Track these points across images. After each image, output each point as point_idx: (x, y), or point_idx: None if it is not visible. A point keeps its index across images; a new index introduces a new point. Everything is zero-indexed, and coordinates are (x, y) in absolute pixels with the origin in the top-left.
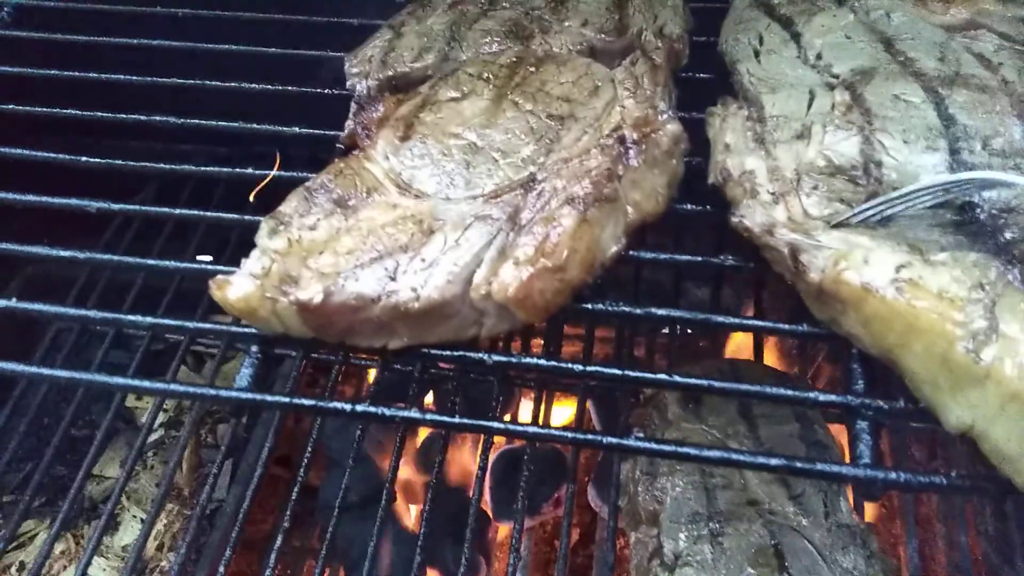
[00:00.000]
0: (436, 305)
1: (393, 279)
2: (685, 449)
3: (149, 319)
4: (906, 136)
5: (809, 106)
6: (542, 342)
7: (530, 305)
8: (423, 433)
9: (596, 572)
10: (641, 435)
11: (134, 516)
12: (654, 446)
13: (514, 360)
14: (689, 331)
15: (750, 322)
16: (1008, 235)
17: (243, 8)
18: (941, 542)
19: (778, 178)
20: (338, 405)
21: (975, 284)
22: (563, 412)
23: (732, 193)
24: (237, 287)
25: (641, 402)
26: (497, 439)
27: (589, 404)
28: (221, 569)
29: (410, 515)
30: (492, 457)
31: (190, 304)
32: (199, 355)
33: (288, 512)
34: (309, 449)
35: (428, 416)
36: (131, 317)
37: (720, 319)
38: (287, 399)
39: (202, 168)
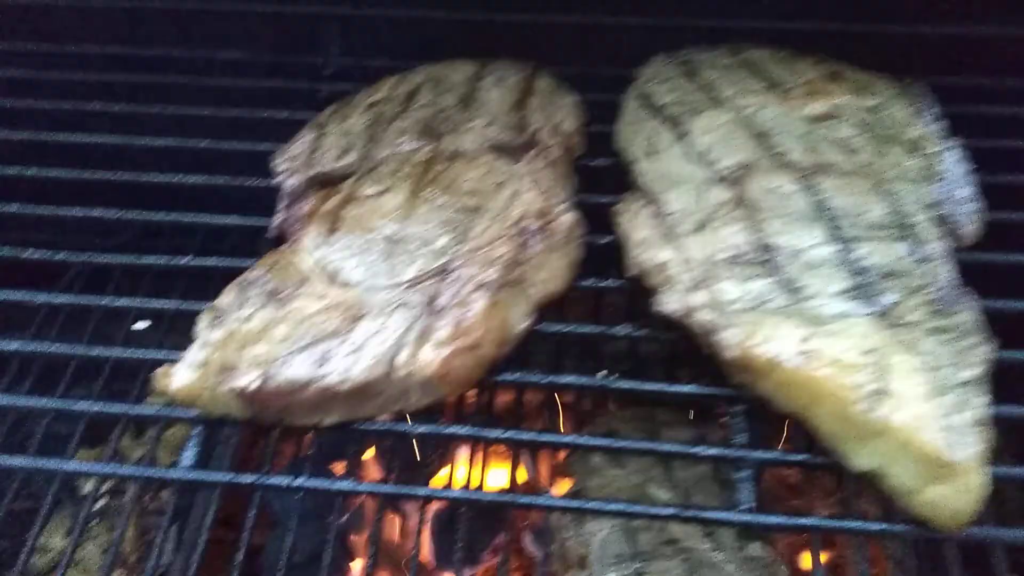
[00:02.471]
0: (363, 386)
1: (323, 364)
2: (589, 504)
3: (85, 405)
4: (787, 222)
5: (702, 201)
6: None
7: (449, 380)
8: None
9: None
10: (549, 493)
11: None
12: (558, 503)
13: (439, 430)
14: None
15: (647, 387)
16: (891, 298)
17: (183, 103)
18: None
19: (691, 267)
20: (278, 481)
21: (865, 349)
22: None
23: (652, 283)
24: (179, 377)
25: (570, 451)
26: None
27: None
28: None
29: (352, 572)
30: (434, 508)
31: (132, 371)
32: (141, 423)
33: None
34: (253, 510)
35: (362, 487)
36: (68, 406)
37: (614, 386)
38: (227, 478)
39: (138, 260)
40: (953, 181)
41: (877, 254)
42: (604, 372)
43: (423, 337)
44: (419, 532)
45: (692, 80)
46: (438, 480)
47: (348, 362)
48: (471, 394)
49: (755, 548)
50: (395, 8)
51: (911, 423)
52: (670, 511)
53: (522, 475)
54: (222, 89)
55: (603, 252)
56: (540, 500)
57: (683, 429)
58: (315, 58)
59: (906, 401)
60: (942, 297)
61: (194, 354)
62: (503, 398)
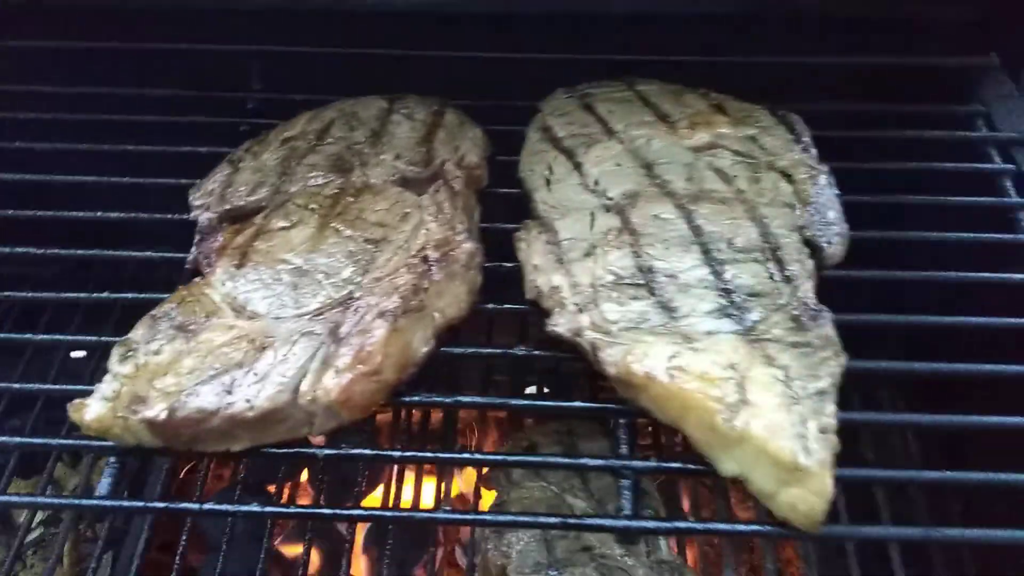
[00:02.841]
0: (269, 412)
1: (230, 392)
2: (481, 516)
3: (16, 439)
4: (666, 246)
5: (591, 227)
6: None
7: (351, 405)
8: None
9: None
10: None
11: None
12: (462, 516)
13: (342, 452)
14: None
15: (541, 404)
16: (755, 316)
17: (98, 141)
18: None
19: (579, 291)
20: (187, 505)
21: (727, 364)
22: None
23: (545, 305)
24: (92, 409)
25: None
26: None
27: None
28: None
29: None
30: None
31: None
32: (77, 453)
33: None
34: (185, 535)
35: (267, 508)
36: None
37: (516, 403)
38: (141, 503)
39: (63, 295)
40: (821, 205)
41: (745, 275)
42: (532, 389)
43: (326, 364)
44: (350, 551)
45: (589, 112)
46: (371, 500)
47: (253, 390)
48: (416, 413)
49: (664, 552)
50: (313, 45)
51: (766, 431)
52: (555, 520)
53: (454, 489)
54: (146, 125)
55: (511, 276)
56: (438, 515)
57: (599, 440)
58: (237, 94)
59: (763, 411)
60: (801, 314)
61: (106, 387)
62: (438, 415)
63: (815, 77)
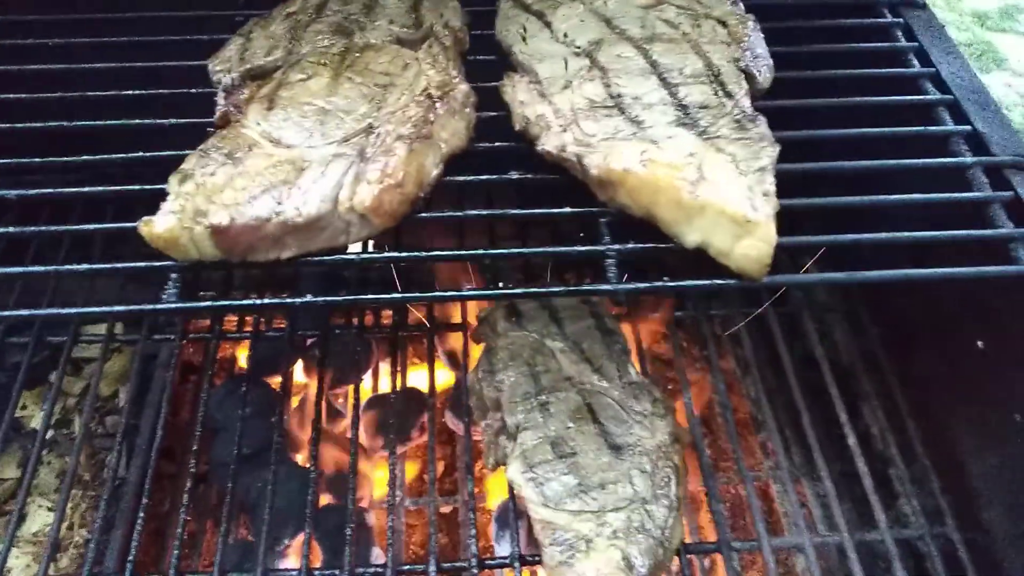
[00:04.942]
0: (314, 219)
1: (280, 203)
2: (497, 292)
3: (84, 267)
4: (630, 77)
5: (566, 68)
6: None
7: (382, 212)
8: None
9: (460, 466)
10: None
11: (39, 507)
12: (481, 292)
13: (372, 255)
14: None
15: (534, 212)
16: (705, 122)
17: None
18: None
19: (561, 115)
20: (245, 302)
21: (687, 154)
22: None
23: (532, 132)
24: (161, 222)
25: (479, 322)
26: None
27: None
28: (136, 530)
29: (301, 457)
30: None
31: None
32: (77, 363)
33: (190, 466)
34: (201, 411)
35: (321, 299)
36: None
37: (515, 212)
38: (204, 303)
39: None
40: (751, 43)
41: (695, 94)
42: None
43: (358, 179)
44: (356, 420)
45: None
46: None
47: (300, 200)
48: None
49: (633, 375)
50: None
51: (722, 197)
52: (556, 288)
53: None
54: (151, 19)
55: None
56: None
57: (585, 320)
58: None
59: (718, 184)
60: (742, 117)
61: (170, 204)
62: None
63: None
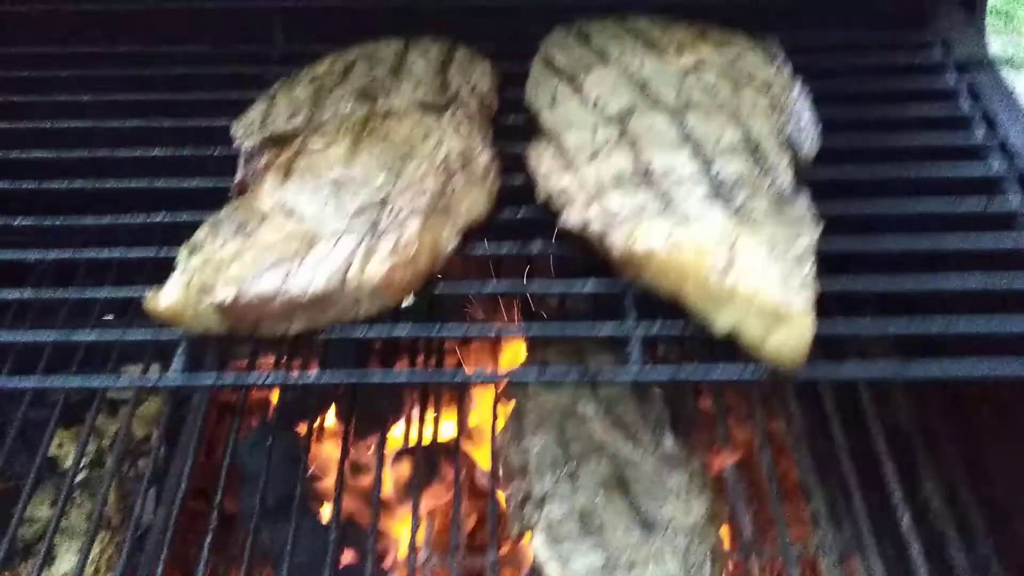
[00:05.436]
0: (322, 296)
1: (288, 279)
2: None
3: (88, 335)
4: (661, 148)
5: (594, 137)
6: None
7: (392, 289)
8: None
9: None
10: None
11: (67, 549)
12: (491, 375)
13: (384, 332)
14: None
15: (554, 288)
16: (740, 200)
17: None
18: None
19: (585, 189)
20: (257, 374)
21: (717, 235)
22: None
23: (556, 205)
24: (166, 296)
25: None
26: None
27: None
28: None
29: (321, 513)
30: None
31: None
32: (113, 404)
33: (214, 515)
34: (224, 468)
35: (324, 379)
36: (80, 334)
37: (529, 290)
38: (212, 379)
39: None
40: (796, 112)
41: (731, 167)
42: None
43: (368, 254)
44: (379, 473)
45: (585, 45)
46: (393, 440)
47: (308, 277)
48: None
49: (669, 446)
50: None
51: (754, 285)
52: (574, 375)
53: (472, 419)
54: (182, 77)
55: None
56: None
57: (607, 353)
58: (262, 47)
59: (750, 270)
60: (781, 194)
61: (177, 278)
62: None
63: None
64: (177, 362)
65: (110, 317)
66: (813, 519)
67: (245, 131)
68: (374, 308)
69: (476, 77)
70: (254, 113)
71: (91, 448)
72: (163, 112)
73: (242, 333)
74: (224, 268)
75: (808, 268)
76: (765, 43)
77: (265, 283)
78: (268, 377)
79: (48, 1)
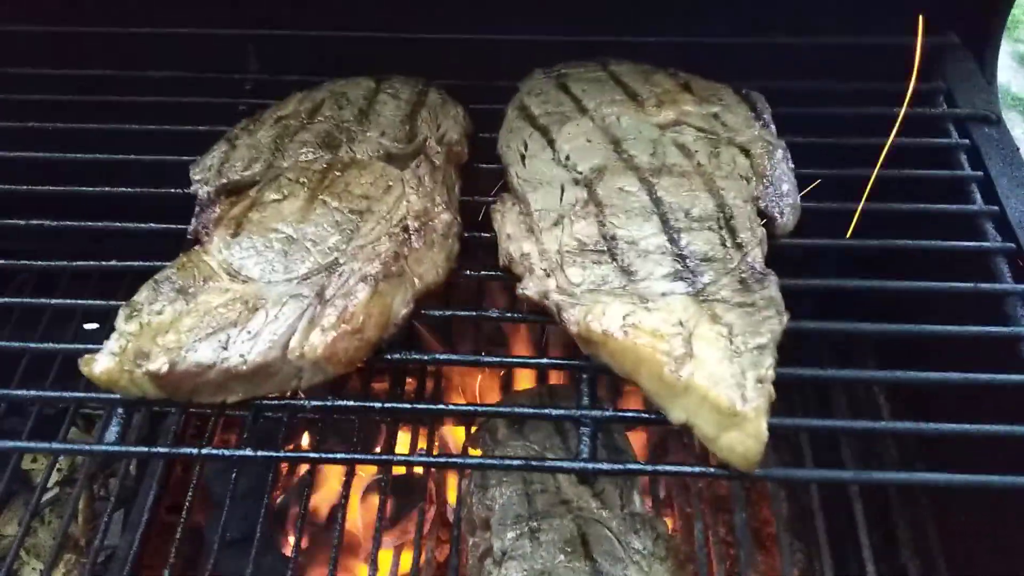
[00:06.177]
0: (260, 367)
1: (225, 348)
2: (454, 459)
3: (33, 393)
4: (628, 216)
5: (561, 199)
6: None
7: (336, 361)
8: (304, 469)
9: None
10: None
11: (33, 569)
12: (439, 459)
13: (328, 404)
14: None
15: (512, 360)
16: (705, 279)
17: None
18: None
19: (546, 258)
20: (188, 450)
21: (677, 322)
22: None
23: (516, 271)
24: (100, 363)
25: (479, 426)
26: (365, 471)
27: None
28: None
29: (284, 545)
30: (363, 486)
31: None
32: (89, 418)
33: (174, 548)
34: (190, 493)
35: (259, 453)
36: (17, 392)
37: (486, 360)
38: (146, 448)
39: (76, 263)
40: (775, 178)
41: (699, 242)
42: None
43: (312, 323)
44: (344, 506)
45: (564, 92)
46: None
47: (247, 347)
48: (411, 381)
49: (636, 505)
50: (306, 29)
51: (708, 381)
52: (518, 462)
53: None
54: (151, 106)
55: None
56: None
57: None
58: (235, 75)
59: (706, 363)
60: (748, 277)
61: (113, 343)
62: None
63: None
64: (112, 430)
65: (93, 325)
66: None
67: (202, 177)
68: (316, 379)
69: (446, 125)
70: (213, 157)
71: (64, 463)
72: (132, 144)
73: (180, 400)
74: (161, 334)
75: (767, 364)
76: (750, 97)
77: (201, 353)
78: (207, 450)
79: (16, 22)
